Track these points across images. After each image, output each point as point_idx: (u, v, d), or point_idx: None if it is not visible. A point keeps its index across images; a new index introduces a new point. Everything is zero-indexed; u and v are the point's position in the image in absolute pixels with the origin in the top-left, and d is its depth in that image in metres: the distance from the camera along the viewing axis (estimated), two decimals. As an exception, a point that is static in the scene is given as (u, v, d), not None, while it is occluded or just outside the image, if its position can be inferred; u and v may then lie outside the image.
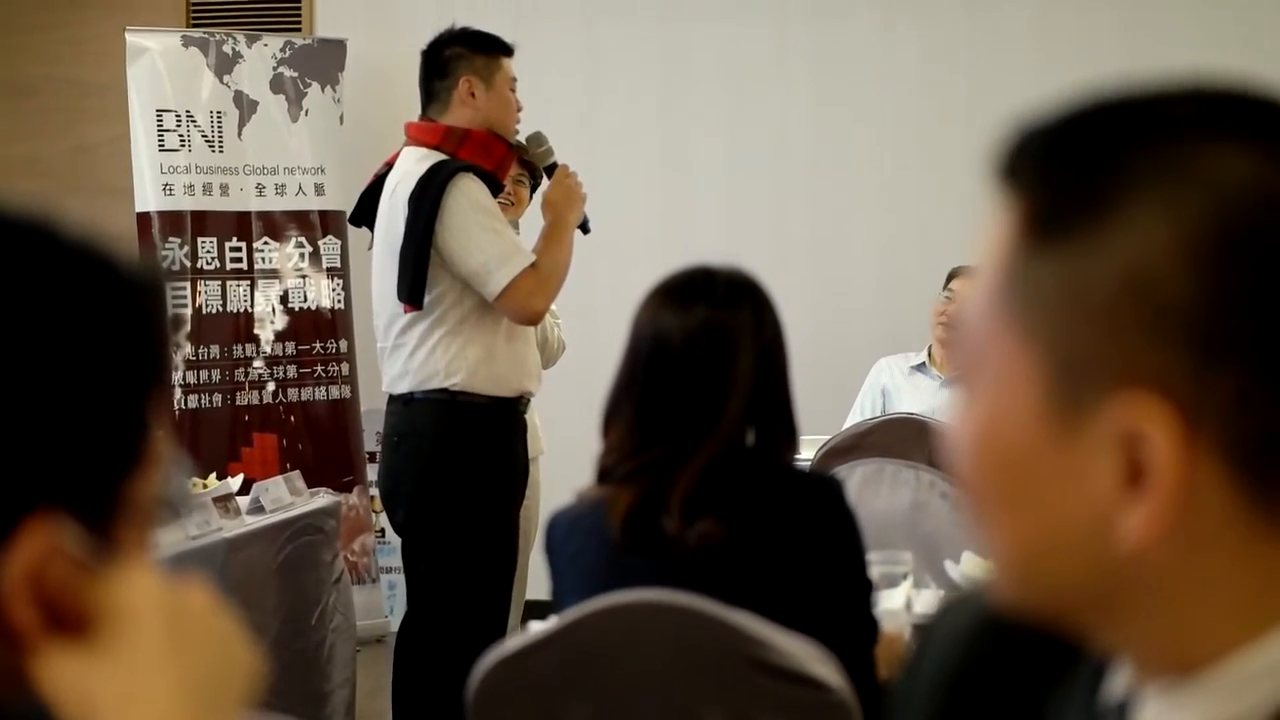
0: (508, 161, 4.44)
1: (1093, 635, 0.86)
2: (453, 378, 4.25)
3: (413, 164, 4.28)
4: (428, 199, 4.17)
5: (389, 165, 4.44)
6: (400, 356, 4.32)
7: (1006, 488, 0.84)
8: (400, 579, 6.79)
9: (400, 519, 4.38)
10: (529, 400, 4.43)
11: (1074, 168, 0.82)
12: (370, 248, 4.51)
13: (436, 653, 4.26)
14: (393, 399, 4.39)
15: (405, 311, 4.26)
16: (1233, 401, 0.78)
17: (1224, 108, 0.82)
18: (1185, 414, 0.78)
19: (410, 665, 4.37)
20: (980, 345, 0.85)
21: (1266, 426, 0.78)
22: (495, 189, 4.31)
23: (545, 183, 4.58)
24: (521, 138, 4.50)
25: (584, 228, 4.45)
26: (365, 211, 4.52)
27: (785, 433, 2.65)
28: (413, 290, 4.21)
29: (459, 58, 4.36)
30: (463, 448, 4.26)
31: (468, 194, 4.19)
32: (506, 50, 4.42)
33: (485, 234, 4.18)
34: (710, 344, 2.58)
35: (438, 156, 4.27)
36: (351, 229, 5.43)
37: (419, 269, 4.19)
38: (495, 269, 4.17)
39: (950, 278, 5.45)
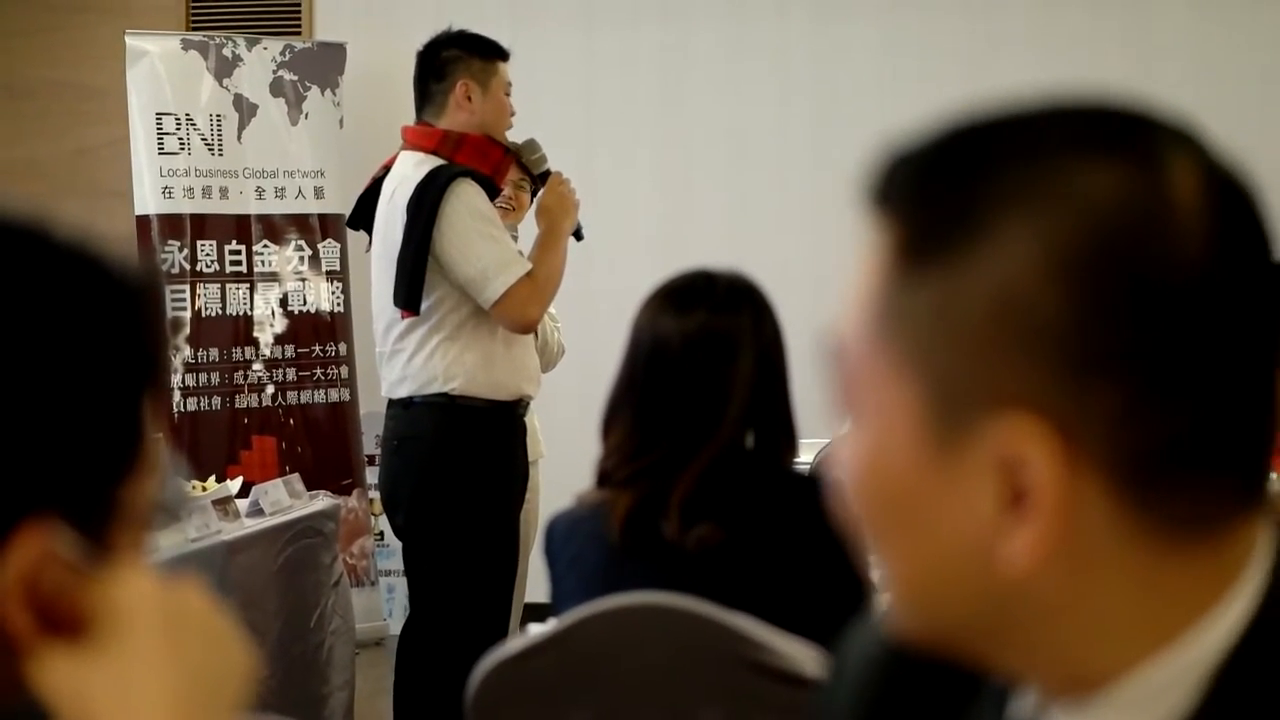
0: (505, 166, 4.43)
1: (991, 662, 0.85)
2: (451, 382, 4.25)
3: (410, 169, 4.28)
4: (426, 204, 4.17)
5: (386, 169, 4.43)
6: (399, 361, 4.32)
7: (891, 517, 0.83)
8: (399, 582, 6.80)
9: (401, 523, 4.37)
10: (528, 404, 4.43)
11: (943, 191, 0.81)
12: (368, 250, 4.51)
13: (439, 656, 4.25)
14: (392, 403, 4.38)
15: (402, 317, 4.26)
16: (1114, 416, 0.76)
17: (1089, 123, 0.81)
18: (1064, 432, 0.77)
19: (412, 668, 4.36)
20: (857, 374, 0.83)
21: (1149, 439, 0.77)
22: (492, 194, 4.30)
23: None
24: (517, 143, 4.50)
25: (577, 235, 4.45)
26: (362, 215, 4.52)
27: (785, 436, 2.65)
28: (409, 296, 4.21)
29: (456, 60, 4.36)
30: (463, 451, 4.26)
31: (466, 200, 4.19)
32: (503, 55, 4.43)
33: (483, 241, 4.18)
34: (710, 348, 2.58)
35: (435, 161, 4.26)
36: (351, 232, 5.42)
37: (416, 274, 4.19)
38: (492, 277, 4.17)
39: None
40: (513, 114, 4.44)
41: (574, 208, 4.42)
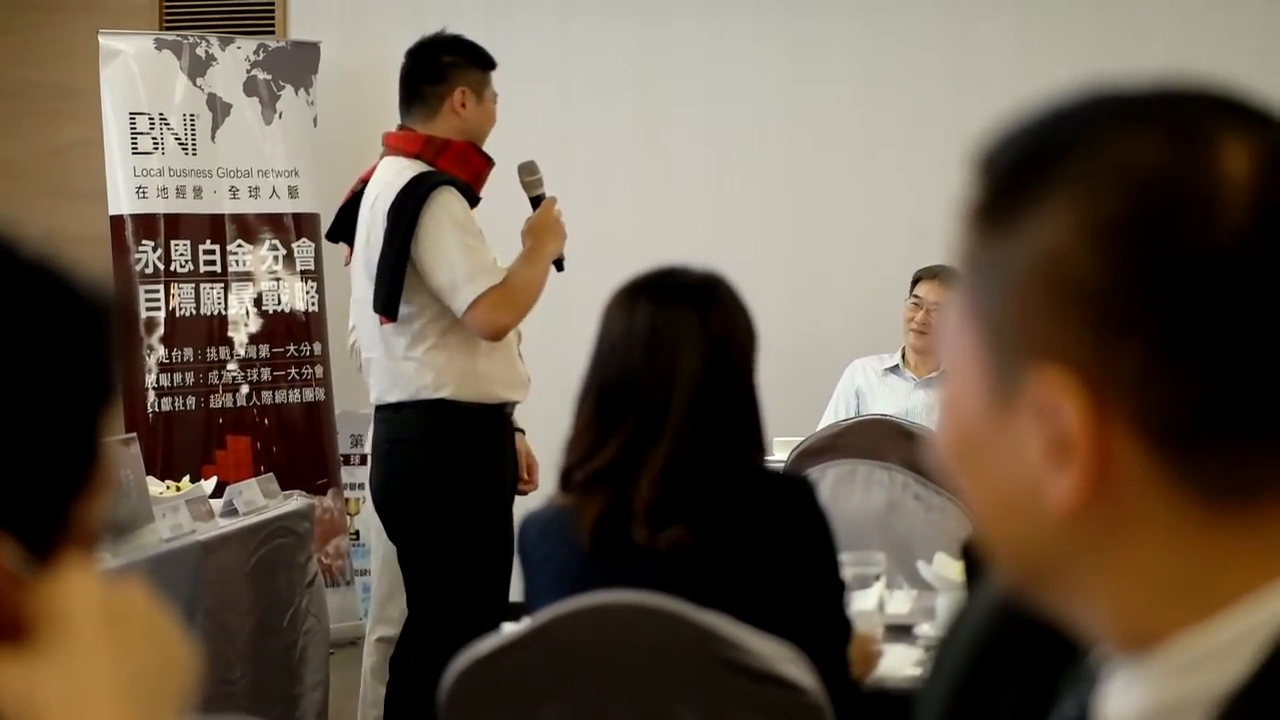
0: (485, 173, 4.44)
1: (1063, 613, 0.89)
2: (441, 390, 4.25)
3: (393, 175, 4.28)
4: (407, 211, 4.18)
5: (364, 181, 4.43)
6: (387, 368, 4.31)
7: (966, 460, 0.89)
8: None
9: (395, 526, 4.37)
10: (514, 405, 4.42)
11: (1015, 158, 0.87)
12: (347, 264, 4.50)
13: (436, 656, 4.22)
14: (381, 407, 4.38)
15: (381, 323, 4.26)
16: (1141, 375, 0.81)
17: (1141, 99, 0.86)
18: (1092, 387, 0.82)
19: (409, 668, 4.33)
20: (947, 325, 0.90)
21: (1178, 401, 0.81)
22: (472, 201, 4.31)
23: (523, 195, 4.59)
24: (493, 154, 4.51)
25: (559, 264, 4.43)
26: (342, 227, 4.51)
27: (749, 435, 2.62)
28: (388, 302, 4.21)
29: (456, 66, 4.37)
30: (455, 451, 4.26)
31: (447, 209, 4.19)
32: (494, 65, 4.46)
33: (458, 249, 4.18)
34: (651, 346, 2.57)
35: (419, 167, 4.27)
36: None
37: (395, 281, 4.19)
38: (462, 285, 4.17)
39: (915, 282, 5.45)
40: (494, 122, 4.46)
41: (562, 235, 4.41)
